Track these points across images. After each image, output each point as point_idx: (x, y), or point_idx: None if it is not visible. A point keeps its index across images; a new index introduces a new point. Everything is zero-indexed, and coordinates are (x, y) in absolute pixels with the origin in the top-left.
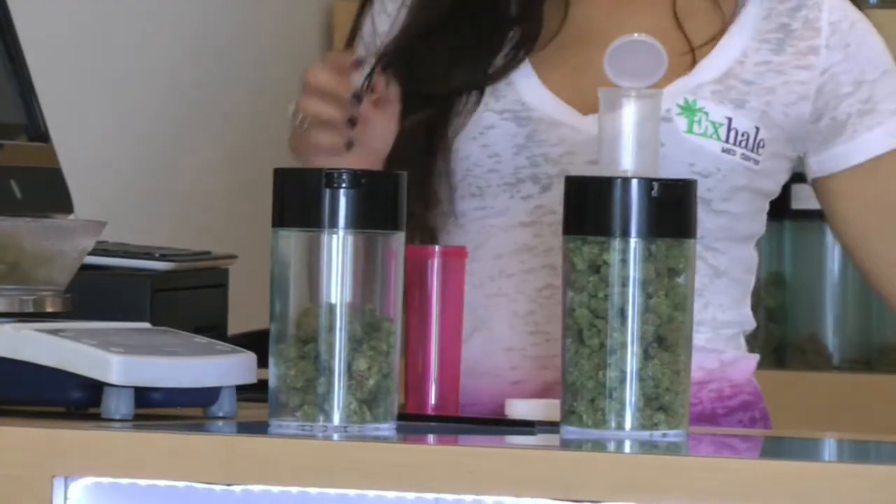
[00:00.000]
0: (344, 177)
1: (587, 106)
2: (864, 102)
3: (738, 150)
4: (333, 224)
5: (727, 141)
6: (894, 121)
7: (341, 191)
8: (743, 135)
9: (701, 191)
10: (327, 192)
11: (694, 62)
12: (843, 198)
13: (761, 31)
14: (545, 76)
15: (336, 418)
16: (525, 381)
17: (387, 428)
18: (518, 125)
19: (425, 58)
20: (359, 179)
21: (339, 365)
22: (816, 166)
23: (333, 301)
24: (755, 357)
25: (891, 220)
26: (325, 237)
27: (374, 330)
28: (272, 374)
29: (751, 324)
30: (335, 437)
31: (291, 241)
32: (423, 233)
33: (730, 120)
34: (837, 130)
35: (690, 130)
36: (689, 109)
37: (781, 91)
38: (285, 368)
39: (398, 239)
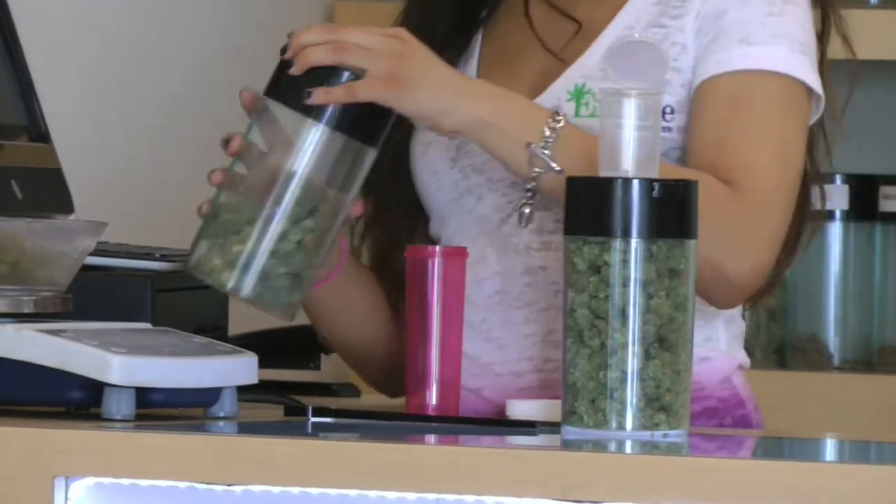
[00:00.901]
0: None
1: None
2: (718, 29)
3: None
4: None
5: None
6: (728, 51)
7: None
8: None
9: None
10: None
11: (584, 38)
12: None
13: None
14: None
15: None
16: (486, 388)
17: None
18: (449, 139)
19: None
20: None
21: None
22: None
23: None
24: (734, 358)
25: (697, 143)
26: None
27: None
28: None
29: (736, 321)
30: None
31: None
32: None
33: None
34: (702, 54)
35: (578, 114)
36: (577, 93)
37: (665, 46)
38: None
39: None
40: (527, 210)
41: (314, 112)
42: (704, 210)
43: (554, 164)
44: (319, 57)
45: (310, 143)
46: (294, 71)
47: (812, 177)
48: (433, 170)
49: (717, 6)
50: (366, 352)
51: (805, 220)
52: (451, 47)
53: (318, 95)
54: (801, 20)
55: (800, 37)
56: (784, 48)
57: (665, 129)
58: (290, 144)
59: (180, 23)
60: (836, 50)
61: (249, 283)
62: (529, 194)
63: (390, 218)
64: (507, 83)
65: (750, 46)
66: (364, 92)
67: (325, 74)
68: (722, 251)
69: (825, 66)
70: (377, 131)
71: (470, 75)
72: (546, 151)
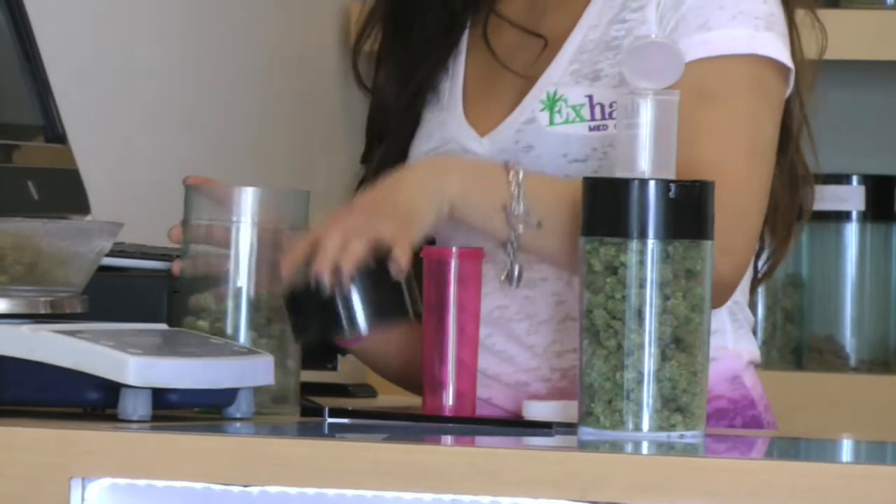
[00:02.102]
0: None
1: (485, 126)
2: (679, 17)
3: (610, 122)
4: None
5: (593, 118)
6: (689, 39)
7: None
8: (611, 105)
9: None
10: None
11: (551, 51)
12: None
13: None
14: (467, 108)
15: None
16: (494, 398)
17: None
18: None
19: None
20: None
21: None
22: None
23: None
24: (742, 355)
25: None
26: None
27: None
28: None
29: (742, 311)
30: None
31: None
32: None
33: (590, 98)
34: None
35: (552, 122)
36: (550, 101)
37: (627, 41)
38: None
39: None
40: (517, 269)
41: (349, 334)
42: None
43: (531, 219)
44: (326, 275)
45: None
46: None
47: (807, 179)
48: None
49: None
50: (377, 350)
51: (804, 190)
52: (438, 50)
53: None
54: None
55: (762, 12)
56: (747, 27)
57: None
58: None
59: (197, 24)
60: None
61: None
62: (511, 255)
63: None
64: (486, 101)
65: (710, 31)
66: (398, 267)
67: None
68: None
69: (795, 37)
70: (403, 303)
71: (458, 84)
72: (519, 210)
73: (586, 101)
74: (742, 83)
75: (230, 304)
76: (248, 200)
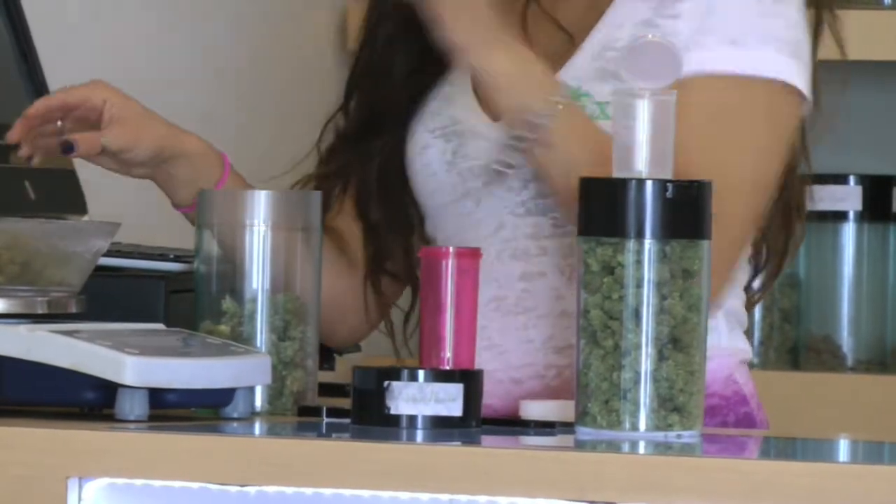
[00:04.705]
0: None
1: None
2: (706, 26)
3: None
4: None
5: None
6: (717, 51)
7: None
8: None
9: None
10: None
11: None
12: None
13: None
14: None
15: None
16: (486, 396)
17: None
18: (446, 141)
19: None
20: None
21: None
22: None
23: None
24: (735, 354)
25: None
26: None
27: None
28: None
29: (738, 311)
30: None
31: None
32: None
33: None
34: (689, 47)
35: None
36: (575, 95)
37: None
38: None
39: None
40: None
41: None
42: None
43: (548, 134)
44: None
45: None
46: None
47: (808, 181)
48: (431, 171)
49: (708, 2)
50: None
51: (795, 224)
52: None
53: None
54: (792, 20)
55: (790, 38)
56: (774, 51)
57: None
58: None
59: (193, 24)
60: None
61: None
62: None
63: (380, 234)
64: None
65: (738, 49)
66: None
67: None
68: None
69: (815, 67)
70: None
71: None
72: (544, 120)
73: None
74: (761, 110)
75: (248, 307)
76: (261, 203)
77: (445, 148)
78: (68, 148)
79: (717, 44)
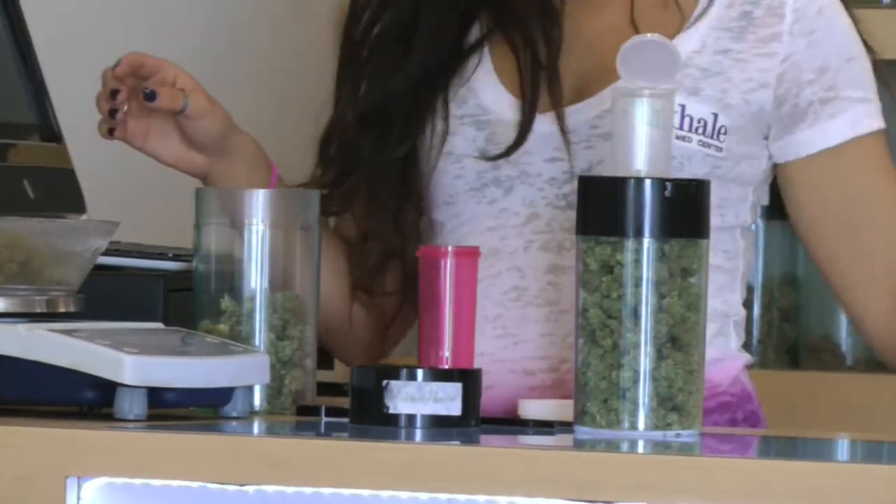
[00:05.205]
0: None
1: (542, 104)
2: (826, 90)
3: (695, 137)
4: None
5: (681, 128)
6: (856, 109)
7: None
8: (699, 121)
9: None
10: None
11: None
12: (801, 186)
13: (724, 19)
14: (505, 79)
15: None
16: (496, 386)
17: None
18: (477, 129)
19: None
20: None
21: None
22: (778, 152)
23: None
24: (743, 356)
25: (845, 212)
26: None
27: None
28: None
29: (739, 313)
30: None
31: None
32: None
33: (683, 107)
34: (799, 117)
35: None
36: None
37: (739, 78)
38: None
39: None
40: None
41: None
42: None
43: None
44: None
45: None
46: None
47: None
48: (456, 156)
49: (817, 56)
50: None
51: None
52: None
53: None
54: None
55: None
56: (875, 99)
57: (715, 147)
58: None
59: (193, 20)
60: None
61: None
62: None
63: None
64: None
65: (870, 104)
66: None
67: None
68: None
69: None
70: None
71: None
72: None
73: (679, 109)
74: (885, 156)
75: (247, 306)
76: (260, 201)
77: (476, 135)
78: (151, 96)
79: (853, 103)
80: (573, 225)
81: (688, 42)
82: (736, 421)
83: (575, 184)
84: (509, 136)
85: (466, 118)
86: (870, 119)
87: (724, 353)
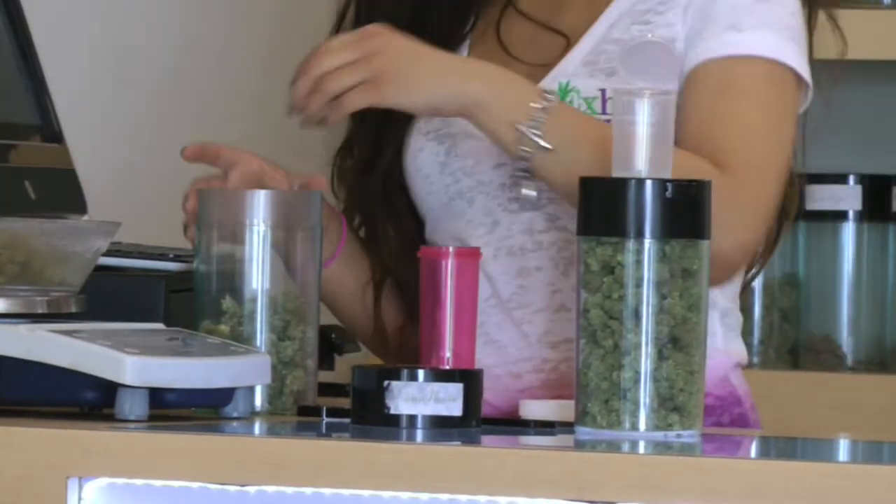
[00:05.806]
0: None
1: None
2: (707, 17)
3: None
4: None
5: (604, 113)
6: (718, 38)
7: None
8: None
9: None
10: None
11: (569, 45)
12: (681, 94)
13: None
14: None
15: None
16: (486, 391)
17: None
18: (439, 143)
19: None
20: None
21: None
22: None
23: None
24: (731, 356)
25: (690, 124)
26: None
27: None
28: None
29: (724, 305)
30: None
31: None
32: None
33: (603, 91)
34: (692, 42)
35: None
36: (562, 91)
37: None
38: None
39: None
40: (529, 191)
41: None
42: None
43: (542, 142)
44: (317, 107)
45: None
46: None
47: (801, 179)
48: (425, 173)
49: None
50: (354, 328)
51: (787, 219)
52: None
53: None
54: (791, 9)
55: (789, 24)
56: (773, 34)
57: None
58: None
59: (193, 19)
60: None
61: None
62: (524, 173)
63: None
64: None
65: (739, 33)
66: (353, 103)
67: None
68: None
69: (811, 60)
70: None
71: None
72: (535, 130)
73: (599, 94)
74: (765, 82)
75: (248, 307)
76: (261, 202)
77: (438, 150)
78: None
79: (717, 32)
80: (529, 226)
81: (605, 20)
82: (721, 425)
83: (522, 188)
84: (467, 147)
85: (431, 133)
86: (739, 45)
87: (708, 351)
